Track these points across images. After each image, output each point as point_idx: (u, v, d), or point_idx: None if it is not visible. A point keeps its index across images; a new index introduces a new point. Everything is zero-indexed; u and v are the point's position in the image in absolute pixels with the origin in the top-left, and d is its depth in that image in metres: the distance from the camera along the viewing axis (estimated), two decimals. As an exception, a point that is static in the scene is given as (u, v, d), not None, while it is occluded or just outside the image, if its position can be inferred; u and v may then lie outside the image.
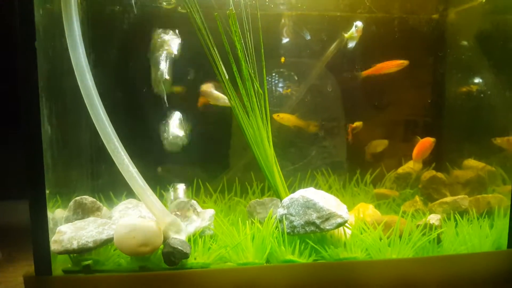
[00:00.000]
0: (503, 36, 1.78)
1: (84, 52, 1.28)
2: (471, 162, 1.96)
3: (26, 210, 1.26)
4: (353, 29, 1.82)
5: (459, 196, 1.71)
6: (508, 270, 1.40)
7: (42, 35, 1.27)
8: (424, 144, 1.92)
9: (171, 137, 1.75)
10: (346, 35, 1.83)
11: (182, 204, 1.58)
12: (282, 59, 1.54)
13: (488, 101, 1.98)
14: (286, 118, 1.93)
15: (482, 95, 2.01)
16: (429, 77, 2.15)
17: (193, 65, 1.83)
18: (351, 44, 1.84)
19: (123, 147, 1.31)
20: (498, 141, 1.79)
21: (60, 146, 1.44)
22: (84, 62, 1.28)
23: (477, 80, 2.03)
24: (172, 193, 1.75)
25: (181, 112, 1.79)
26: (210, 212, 1.55)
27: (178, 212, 1.55)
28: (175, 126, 1.77)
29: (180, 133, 1.76)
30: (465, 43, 1.99)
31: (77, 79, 1.28)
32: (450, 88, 2.13)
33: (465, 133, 2.04)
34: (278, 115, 1.92)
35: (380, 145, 2.06)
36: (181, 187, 1.77)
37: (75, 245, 1.29)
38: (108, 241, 1.34)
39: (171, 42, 1.71)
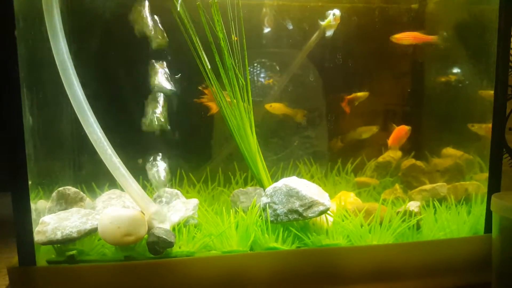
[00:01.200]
0: (480, 26, 1.81)
1: (65, 42, 1.27)
2: (449, 150, 2.00)
3: (8, 202, 1.25)
4: (331, 17, 1.81)
5: (438, 184, 1.75)
6: (485, 254, 1.45)
7: (22, 24, 1.25)
8: (400, 131, 1.95)
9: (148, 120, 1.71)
10: (323, 23, 1.83)
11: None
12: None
13: (466, 90, 2.01)
14: (277, 108, 1.94)
15: (460, 84, 2.05)
16: (409, 66, 2.18)
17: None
18: (329, 33, 1.83)
19: (106, 138, 1.31)
20: (475, 127, 1.83)
21: (42, 137, 1.42)
22: (66, 53, 1.26)
23: (455, 69, 2.06)
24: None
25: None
26: (194, 201, 1.56)
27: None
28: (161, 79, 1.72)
29: (167, 85, 1.70)
30: (443, 33, 2.02)
31: (59, 70, 1.26)
32: (429, 78, 2.17)
33: (444, 122, 2.08)
34: (270, 105, 1.93)
35: (367, 131, 2.08)
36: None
37: (59, 235, 1.29)
38: (92, 231, 1.34)
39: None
